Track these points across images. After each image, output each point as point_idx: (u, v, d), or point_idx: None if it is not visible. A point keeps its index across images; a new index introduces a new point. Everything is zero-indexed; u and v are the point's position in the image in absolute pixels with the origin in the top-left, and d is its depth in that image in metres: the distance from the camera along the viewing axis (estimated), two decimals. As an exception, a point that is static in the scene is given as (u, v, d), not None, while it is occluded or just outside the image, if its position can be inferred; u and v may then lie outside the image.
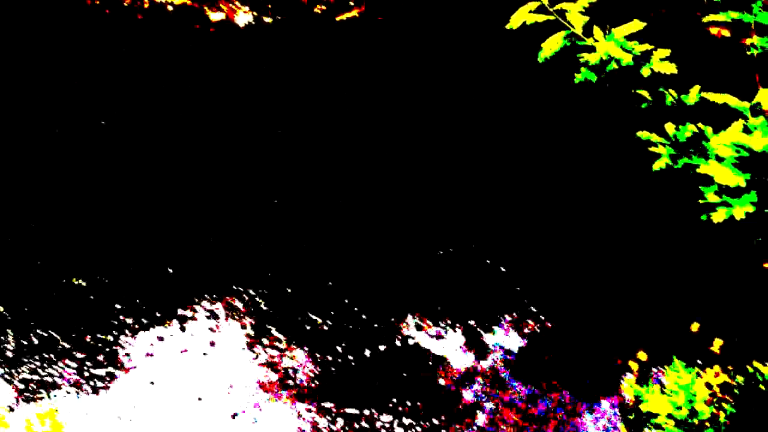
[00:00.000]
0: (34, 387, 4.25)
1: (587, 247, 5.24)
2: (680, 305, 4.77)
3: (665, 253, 5.15)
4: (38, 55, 7.23)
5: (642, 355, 4.34)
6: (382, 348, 4.53)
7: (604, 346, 4.55)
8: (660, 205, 5.51)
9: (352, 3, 8.01)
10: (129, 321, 4.71)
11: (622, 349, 4.51)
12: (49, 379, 4.30)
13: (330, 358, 4.46)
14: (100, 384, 4.29)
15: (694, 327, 4.57)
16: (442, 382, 4.34)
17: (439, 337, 4.62)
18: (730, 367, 4.19)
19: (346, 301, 4.84)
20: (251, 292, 4.94)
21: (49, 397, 4.20)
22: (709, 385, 3.97)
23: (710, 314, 4.67)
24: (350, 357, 4.47)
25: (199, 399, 4.24)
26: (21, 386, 4.25)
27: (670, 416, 3.83)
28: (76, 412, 4.13)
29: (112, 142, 6.18)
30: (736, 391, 3.87)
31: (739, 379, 3.92)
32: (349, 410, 4.09)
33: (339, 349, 4.52)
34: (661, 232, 5.30)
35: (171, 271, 5.08)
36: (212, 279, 5.04)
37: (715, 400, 3.83)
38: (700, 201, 2.67)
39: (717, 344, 4.37)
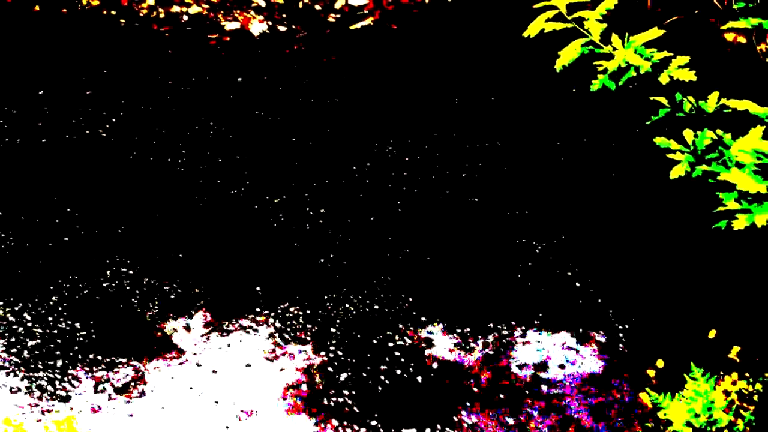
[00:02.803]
0: (52, 395, 4.28)
1: (601, 252, 5.24)
2: (698, 312, 4.77)
3: (683, 260, 5.14)
4: (51, 65, 7.28)
5: (659, 363, 4.34)
6: (449, 358, 4.53)
7: (623, 353, 4.55)
8: (678, 211, 5.51)
9: (366, 11, 8.05)
10: (158, 332, 4.73)
11: (640, 357, 4.51)
12: (66, 390, 4.32)
13: (384, 378, 4.46)
14: (119, 394, 4.31)
15: (712, 334, 4.56)
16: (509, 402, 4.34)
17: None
18: (748, 374, 4.18)
19: (410, 310, 4.85)
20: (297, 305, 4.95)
21: (66, 403, 4.22)
22: (727, 393, 3.96)
23: (728, 321, 4.67)
24: (416, 374, 4.47)
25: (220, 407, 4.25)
26: (38, 393, 4.28)
27: (688, 424, 3.82)
28: (94, 421, 4.15)
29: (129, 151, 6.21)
30: (754, 398, 3.87)
31: (758, 386, 3.91)
32: (406, 430, 4.08)
33: (398, 367, 4.52)
34: (679, 239, 5.30)
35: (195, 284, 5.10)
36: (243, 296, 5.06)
37: (733, 407, 3.82)
38: (720, 208, 2.68)
39: (735, 351, 4.36)
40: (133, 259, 5.21)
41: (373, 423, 4.09)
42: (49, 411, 4.17)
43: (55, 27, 7.76)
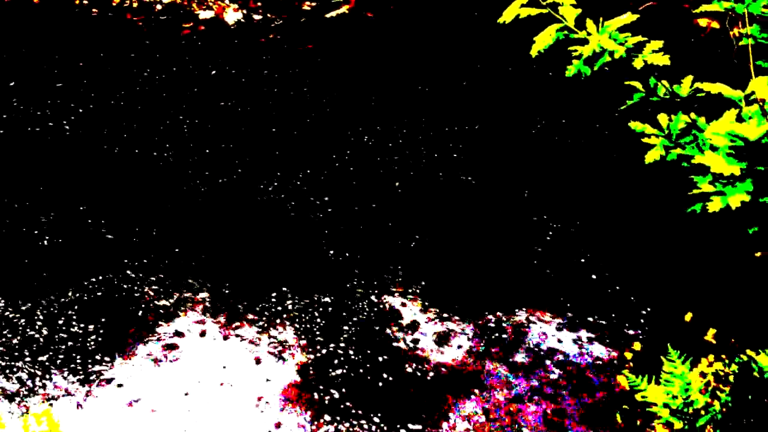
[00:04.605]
0: (31, 388, 4.25)
1: (577, 236, 5.27)
2: (673, 295, 4.81)
3: (658, 243, 5.19)
4: (20, 56, 7.20)
5: (636, 345, 4.37)
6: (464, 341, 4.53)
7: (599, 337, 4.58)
8: (654, 195, 5.55)
9: (341, 0, 8.02)
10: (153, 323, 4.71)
11: (617, 339, 4.55)
12: (45, 382, 4.30)
13: (387, 373, 4.45)
14: (98, 382, 4.29)
15: (688, 317, 4.61)
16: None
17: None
18: (724, 356, 4.22)
19: (411, 303, 4.85)
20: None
21: (45, 398, 4.20)
22: (703, 374, 4.00)
23: (704, 304, 4.71)
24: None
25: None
26: (18, 386, 4.25)
27: (665, 405, 3.85)
28: (71, 411, 4.13)
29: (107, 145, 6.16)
30: (730, 379, 3.90)
31: (734, 367, 3.95)
32: (412, 426, 4.07)
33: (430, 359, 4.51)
34: (655, 223, 5.34)
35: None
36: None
37: (709, 388, 3.86)
38: (694, 191, 2.70)
39: (711, 333, 4.40)
40: (118, 256, 5.18)
41: (376, 420, 4.09)
42: (27, 408, 4.15)
43: (26, 17, 7.67)
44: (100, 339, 4.53)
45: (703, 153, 2.72)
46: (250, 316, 4.68)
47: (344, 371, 4.33)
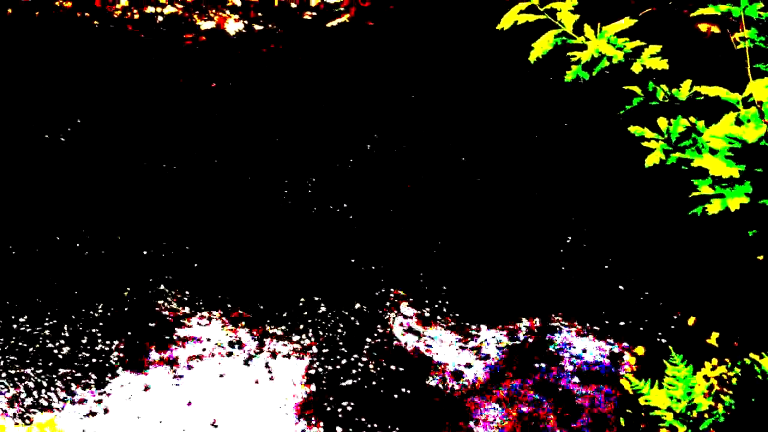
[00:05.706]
0: (36, 397, 4.25)
1: (579, 241, 5.27)
2: (677, 299, 4.81)
3: (660, 247, 5.18)
4: (23, 69, 7.23)
5: (639, 350, 4.37)
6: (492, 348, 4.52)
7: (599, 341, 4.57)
8: (654, 199, 5.55)
9: (342, 8, 8.05)
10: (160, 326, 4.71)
11: (620, 344, 4.54)
12: (48, 400, 4.30)
13: (399, 382, 4.44)
14: (103, 402, 4.29)
15: (691, 321, 4.61)
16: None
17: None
18: (727, 360, 4.22)
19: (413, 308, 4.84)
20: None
21: (50, 407, 4.20)
22: (706, 378, 4.00)
23: (706, 307, 4.71)
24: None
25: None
26: (24, 395, 4.25)
27: (668, 409, 3.85)
28: (75, 420, 4.13)
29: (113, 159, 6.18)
30: (733, 382, 3.90)
31: (737, 370, 3.95)
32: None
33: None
34: (656, 226, 5.34)
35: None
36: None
37: (713, 392, 3.86)
38: (694, 194, 2.71)
39: (714, 337, 4.40)
40: (120, 265, 5.19)
41: None
42: (30, 419, 4.15)
43: (28, 30, 7.70)
44: (116, 353, 4.54)
45: (702, 156, 2.73)
46: (271, 329, 4.68)
47: (361, 381, 4.32)
